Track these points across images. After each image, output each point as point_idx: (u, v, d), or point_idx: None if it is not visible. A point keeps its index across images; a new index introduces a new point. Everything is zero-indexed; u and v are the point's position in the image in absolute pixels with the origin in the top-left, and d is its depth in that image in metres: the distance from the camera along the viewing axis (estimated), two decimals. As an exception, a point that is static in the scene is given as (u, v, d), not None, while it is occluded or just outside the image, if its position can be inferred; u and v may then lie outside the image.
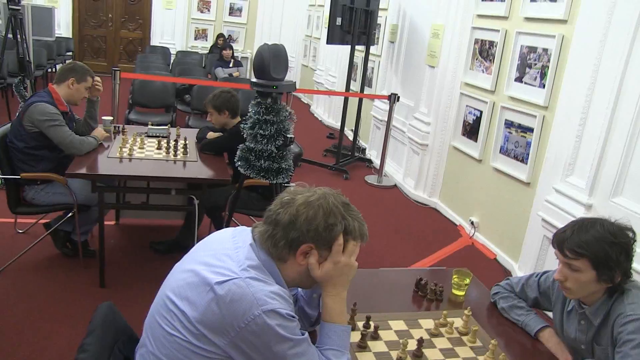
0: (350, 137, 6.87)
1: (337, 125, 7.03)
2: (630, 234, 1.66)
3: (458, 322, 1.80)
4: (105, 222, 3.14)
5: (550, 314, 2.02)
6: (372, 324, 1.70)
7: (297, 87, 10.09)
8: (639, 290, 1.68)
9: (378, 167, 5.96)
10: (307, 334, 1.31)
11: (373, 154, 6.66)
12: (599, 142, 3.16)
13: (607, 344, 1.68)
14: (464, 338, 1.74)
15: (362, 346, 1.61)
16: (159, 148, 3.46)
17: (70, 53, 10.31)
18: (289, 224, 1.30)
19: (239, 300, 1.20)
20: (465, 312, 1.80)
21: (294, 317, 1.27)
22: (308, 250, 1.32)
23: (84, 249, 3.39)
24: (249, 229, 1.41)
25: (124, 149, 3.33)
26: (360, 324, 1.71)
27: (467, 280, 2.01)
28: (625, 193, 3.08)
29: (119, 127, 3.79)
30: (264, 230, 1.33)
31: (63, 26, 10.48)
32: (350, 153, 6.50)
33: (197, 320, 1.22)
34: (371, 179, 5.90)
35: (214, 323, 1.21)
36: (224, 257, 1.30)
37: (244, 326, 1.20)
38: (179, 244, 3.58)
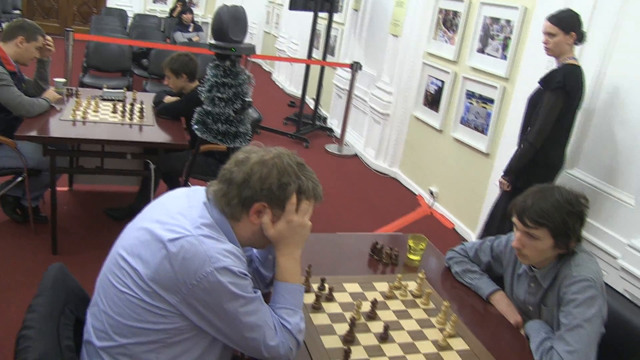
0: (312, 106, 6.83)
1: (299, 93, 6.96)
2: (584, 202, 1.71)
3: (412, 286, 1.83)
4: (58, 189, 3.05)
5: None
6: (326, 286, 1.71)
7: (259, 53, 9.94)
8: (584, 253, 1.74)
9: (339, 136, 5.96)
10: (259, 292, 1.31)
11: (334, 123, 6.65)
12: (556, 114, 3.20)
13: (553, 305, 1.74)
14: (418, 300, 1.77)
15: (316, 307, 1.63)
16: (114, 112, 3.36)
17: (17, 11, 9.78)
18: (243, 183, 1.29)
19: (192, 258, 1.19)
20: (419, 275, 1.83)
21: (246, 275, 1.26)
22: (261, 209, 1.32)
23: (35, 215, 3.28)
24: (203, 188, 1.40)
25: (77, 112, 3.21)
26: (315, 286, 1.72)
27: (423, 245, 2.03)
28: (580, 165, 3.17)
29: (72, 89, 3.65)
30: (218, 189, 1.32)
31: (10, -19, 9.95)
32: (311, 122, 6.47)
33: (149, 277, 1.21)
34: (332, 148, 5.89)
35: (166, 280, 1.20)
36: (178, 215, 1.29)
37: (196, 283, 1.19)
38: (135, 211, 3.49)
